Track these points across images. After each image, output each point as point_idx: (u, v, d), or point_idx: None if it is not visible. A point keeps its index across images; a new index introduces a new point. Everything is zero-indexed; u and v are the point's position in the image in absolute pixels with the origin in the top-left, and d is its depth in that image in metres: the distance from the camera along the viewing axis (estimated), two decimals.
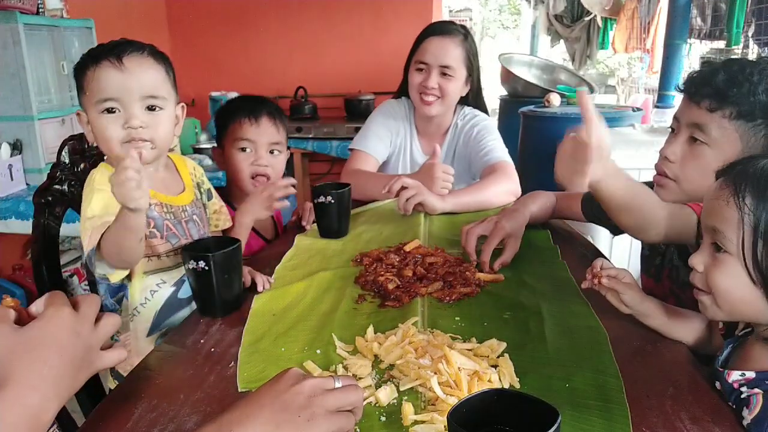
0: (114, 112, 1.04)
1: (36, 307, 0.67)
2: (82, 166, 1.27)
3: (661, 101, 3.60)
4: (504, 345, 0.89)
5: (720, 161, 1.01)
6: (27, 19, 2.40)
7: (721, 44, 3.84)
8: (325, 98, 4.00)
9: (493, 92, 5.02)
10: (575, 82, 4.44)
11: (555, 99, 3.49)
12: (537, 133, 3.38)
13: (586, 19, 5.82)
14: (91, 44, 2.73)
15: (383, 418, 0.74)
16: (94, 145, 1.16)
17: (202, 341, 0.95)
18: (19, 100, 2.42)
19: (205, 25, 4.05)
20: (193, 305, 1.09)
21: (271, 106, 1.54)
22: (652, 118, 3.44)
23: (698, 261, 0.82)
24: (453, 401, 0.71)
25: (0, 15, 2.34)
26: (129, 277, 1.11)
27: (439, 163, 1.66)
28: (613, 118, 3.22)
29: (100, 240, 0.98)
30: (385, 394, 0.77)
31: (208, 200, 1.29)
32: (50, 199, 1.23)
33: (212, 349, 0.93)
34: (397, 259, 1.25)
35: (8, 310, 0.64)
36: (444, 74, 1.77)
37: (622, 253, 2.43)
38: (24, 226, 2.36)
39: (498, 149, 1.78)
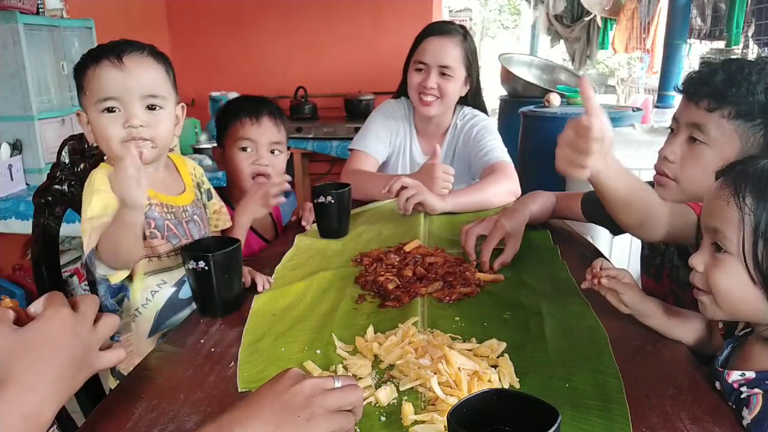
0: (114, 111, 1.04)
1: (35, 307, 0.67)
2: (82, 166, 1.27)
3: (661, 101, 3.61)
4: (504, 345, 0.89)
5: (719, 161, 1.01)
6: (27, 19, 2.40)
7: (721, 44, 3.84)
8: (325, 98, 4.00)
9: (493, 92, 5.02)
10: (575, 82, 4.44)
11: (555, 99, 3.49)
12: (537, 133, 3.39)
13: (586, 19, 5.82)
14: (91, 44, 2.73)
15: (383, 418, 0.74)
16: (94, 145, 1.17)
17: (202, 341, 0.95)
18: (19, 100, 2.42)
19: (205, 25, 4.05)
20: (193, 306, 1.09)
21: (272, 106, 1.55)
22: (652, 118, 3.44)
23: (698, 261, 0.82)
24: (453, 401, 0.71)
25: (0, 15, 2.34)
26: (130, 278, 1.11)
27: (439, 163, 1.66)
28: (613, 118, 3.22)
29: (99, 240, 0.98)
30: (385, 394, 0.77)
31: (208, 200, 1.29)
32: (50, 199, 1.23)
33: (212, 349, 0.93)
34: (397, 259, 1.25)
35: (7, 311, 0.64)
36: (443, 74, 1.77)
37: (622, 253, 2.43)
38: (24, 226, 2.36)
39: (498, 149, 1.78)
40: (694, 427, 0.71)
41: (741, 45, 3.36)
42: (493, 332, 0.94)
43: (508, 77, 4.38)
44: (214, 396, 0.80)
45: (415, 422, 0.72)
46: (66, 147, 1.25)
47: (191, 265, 0.99)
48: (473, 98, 1.90)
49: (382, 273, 1.18)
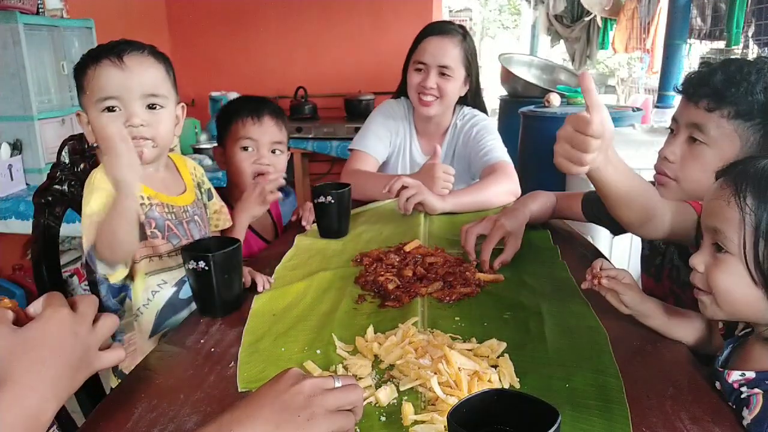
0: (114, 110, 1.04)
1: (34, 308, 0.67)
2: (82, 166, 1.27)
3: (661, 101, 3.61)
4: (504, 345, 0.89)
5: (719, 161, 1.01)
6: (27, 19, 2.40)
7: (721, 44, 3.84)
8: (325, 98, 4.00)
9: (493, 92, 5.02)
10: (575, 82, 4.44)
11: (555, 99, 3.49)
12: (537, 133, 3.38)
13: (586, 19, 5.81)
14: (91, 44, 2.73)
15: (383, 418, 0.74)
16: (94, 145, 1.16)
17: (202, 341, 0.95)
18: (19, 100, 2.42)
19: (205, 25, 4.05)
20: (194, 306, 1.09)
21: (273, 106, 1.55)
22: (652, 118, 3.44)
23: (699, 261, 0.82)
24: (453, 401, 0.71)
25: (0, 15, 2.34)
26: (131, 277, 1.11)
27: (439, 163, 1.66)
28: (613, 118, 3.18)
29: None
30: (385, 394, 0.77)
31: (209, 200, 1.29)
32: (50, 199, 1.23)
33: (212, 349, 0.93)
34: (397, 259, 1.25)
35: (6, 311, 0.64)
36: (442, 74, 1.77)
37: (622, 253, 2.43)
38: (24, 226, 2.36)
39: (497, 149, 1.78)
40: (694, 427, 0.71)
41: (741, 45, 3.36)
42: (493, 332, 0.94)
43: (508, 77, 4.38)
44: (214, 396, 0.80)
45: (415, 422, 0.72)
46: (66, 147, 1.25)
47: (191, 265, 0.99)
48: (473, 98, 1.91)
49: (382, 273, 1.18)
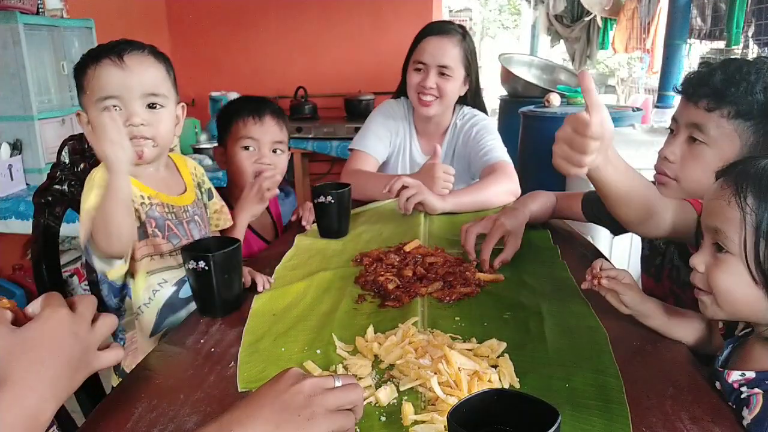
0: (115, 110, 1.04)
1: (32, 308, 0.67)
2: (82, 166, 1.27)
3: (661, 101, 3.61)
4: (504, 345, 0.89)
5: (719, 160, 1.01)
6: (27, 19, 2.40)
7: (721, 44, 3.84)
8: (325, 98, 4.00)
9: (493, 92, 5.03)
10: (575, 82, 4.44)
11: (555, 99, 3.49)
12: (537, 133, 3.38)
13: (586, 19, 5.81)
14: (91, 44, 2.73)
15: (383, 418, 0.74)
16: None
17: (202, 341, 0.95)
18: (19, 100, 2.42)
19: (205, 25, 4.05)
20: (193, 305, 1.09)
21: (274, 106, 1.56)
22: (652, 118, 3.44)
23: (699, 261, 0.82)
24: (453, 401, 0.71)
25: (0, 15, 2.34)
26: (132, 275, 1.11)
27: (439, 163, 1.66)
28: (613, 118, 3.18)
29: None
30: (385, 394, 0.77)
31: (209, 200, 1.29)
32: (50, 199, 1.23)
33: (212, 349, 0.93)
34: (397, 259, 1.25)
35: (5, 311, 0.64)
36: (442, 74, 1.77)
37: (622, 254, 2.43)
38: (24, 226, 2.36)
39: (497, 149, 1.78)
40: (694, 427, 0.71)
41: (741, 45, 3.36)
42: (493, 332, 0.94)
43: (508, 77, 4.38)
44: (214, 396, 0.80)
45: (415, 422, 0.72)
46: (66, 147, 1.25)
47: (191, 265, 0.99)
48: (473, 98, 1.91)
49: (382, 273, 1.18)
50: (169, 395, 0.80)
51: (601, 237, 2.19)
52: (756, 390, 0.74)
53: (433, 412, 0.73)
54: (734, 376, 0.77)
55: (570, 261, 1.26)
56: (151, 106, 1.08)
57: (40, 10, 2.59)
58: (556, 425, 0.53)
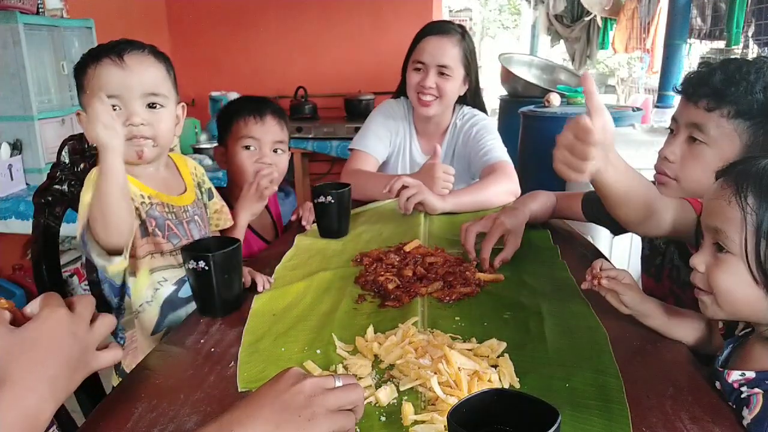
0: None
1: (31, 308, 0.67)
2: (82, 166, 1.27)
3: (661, 101, 3.61)
4: (504, 345, 0.89)
5: (719, 160, 1.01)
6: (27, 19, 2.40)
7: (721, 44, 3.84)
8: (325, 98, 4.00)
9: (493, 92, 5.02)
10: (575, 82, 4.44)
11: (555, 99, 3.49)
12: (537, 133, 3.38)
13: (586, 19, 5.81)
14: (91, 44, 2.73)
15: (383, 418, 0.74)
16: (94, 144, 1.16)
17: (202, 341, 0.95)
18: (19, 100, 2.42)
19: (205, 25, 4.05)
20: (193, 305, 1.09)
21: (275, 106, 1.56)
22: (652, 118, 3.44)
23: (700, 261, 0.82)
24: (453, 401, 0.71)
25: (0, 15, 2.34)
26: (134, 273, 1.10)
27: (439, 163, 1.66)
28: (614, 118, 3.19)
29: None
30: (385, 394, 0.77)
31: (209, 200, 1.29)
32: (50, 199, 1.23)
33: (212, 349, 0.93)
34: (397, 259, 1.25)
35: (3, 311, 0.64)
36: (441, 74, 1.77)
37: (622, 253, 2.43)
38: (24, 226, 2.36)
39: (497, 149, 1.78)
40: (694, 427, 0.71)
41: (741, 45, 3.36)
42: (493, 332, 0.94)
43: (508, 77, 4.38)
44: (214, 396, 0.80)
45: (415, 422, 0.72)
46: (66, 147, 1.25)
47: (191, 265, 0.99)
48: (472, 98, 1.91)
49: (382, 273, 1.18)
50: (169, 395, 0.80)
51: (601, 237, 2.19)
52: (756, 390, 0.74)
53: (433, 412, 0.73)
54: (734, 376, 0.77)
55: (570, 261, 1.26)
56: (151, 105, 1.08)
57: (40, 10, 2.59)
58: (556, 425, 0.53)
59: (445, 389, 0.77)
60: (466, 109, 1.90)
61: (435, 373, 0.78)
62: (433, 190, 1.59)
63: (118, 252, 1.02)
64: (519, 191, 1.71)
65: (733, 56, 3.03)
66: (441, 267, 1.20)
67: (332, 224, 1.44)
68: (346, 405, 0.63)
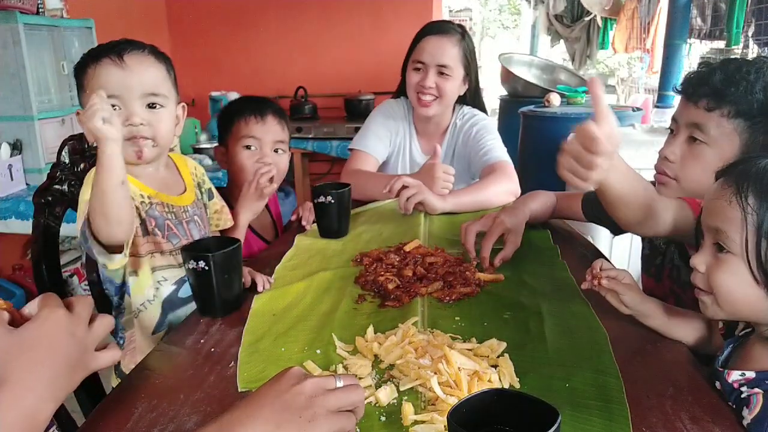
0: (114, 109, 1.04)
1: (29, 309, 0.67)
2: (82, 166, 1.27)
3: (661, 101, 3.61)
4: (504, 345, 0.89)
5: (719, 160, 1.01)
6: (27, 19, 2.40)
7: (721, 44, 3.84)
8: (325, 98, 4.00)
9: (493, 92, 5.02)
10: (575, 82, 4.44)
11: (555, 99, 3.48)
12: (537, 133, 3.38)
13: (586, 19, 5.82)
14: (91, 44, 2.73)
15: (383, 418, 0.74)
16: (94, 144, 1.16)
17: (202, 341, 0.95)
18: (19, 100, 2.42)
19: (205, 25, 4.06)
20: (193, 305, 1.09)
21: (276, 106, 1.57)
22: (652, 118, 3.44)
23: (700, 261, 0.81)
24: (453, 401, 0.71)
25: (0, 15, 2.34)
26: (135, 272, 1.10)
27: (439, 163, 1.66)
28: None
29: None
30: (385, 394, 0.77)
31: (209, 200, 1.29)
32: (50, 199, 1.23)
33: (212, 349, 0.93)
34: (397, 259, 1.25)
35: (1, 312, 0.64)
36: (441, 73, 1.77)
37: (622, 253, 2.43)
38: (24, 226, 2.36)
39: (497, 149, 1.78)
40: (694, 427, 0.71)
41: (741, 45, 3.36)
42: (493, 332, 0.94)
43: (508, 77, 4.37)
44: (214, 396, 0.80)
45: (415, 422, 0.72)
46: (66, 147, 1.25)
47: (191, 265, 0.99)
48: (472, 97, 1.91)
49: (382, 273, 1.18)
50: (169, 395, 0.80)
51: (601, 237, 2.19)
52: (756, 390, 0.74)
53: (433, 412, 0.73)
54: (734, 376, 0.77)
55: (570, 261, 1.26)
56: (151, 106, 1.08)
57: (40, 10, 2.59)
58: (556, 425, 0.53)
59: (445, 389, 0.77)
60: (466, 109, 1.90)
61: (435, 373, 0.78)
62: (433, 190, 1.59)
63: (118, 249, 1.02)
64: (519, 191, 1.71)
65: (733, 56, 3.03)
66: (441, 267, 1.20)
67: (332, 224, 1.44)
68: (346, 406, 0.63)
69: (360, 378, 0.81)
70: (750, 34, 3.29)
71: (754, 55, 3.24)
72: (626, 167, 0.92)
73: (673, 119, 1.15)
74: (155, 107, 1.08)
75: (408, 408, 0.73)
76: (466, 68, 1.80)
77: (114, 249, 1.02)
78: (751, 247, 0.75)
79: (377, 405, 0.76)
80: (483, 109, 1.94)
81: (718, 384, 0.80)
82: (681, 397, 0.77)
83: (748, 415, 0.73)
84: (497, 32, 15.21)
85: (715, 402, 0.77)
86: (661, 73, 3.68)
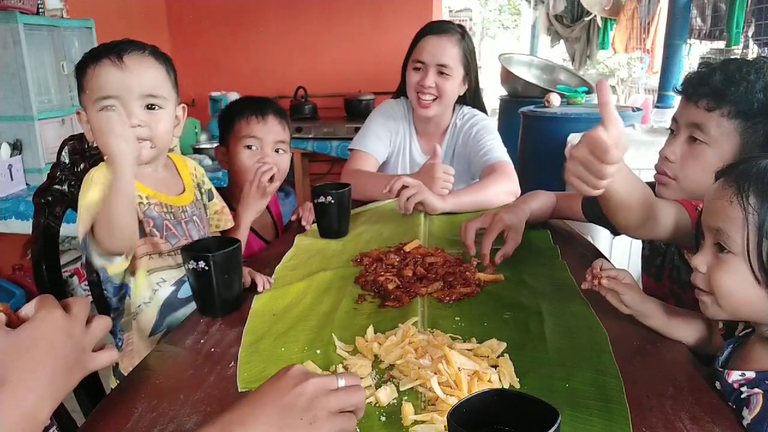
0: (113, 110, 1.04)
1: (26, 310, 0.67)
2: (82, 166, 1.27)
3: (661, 101, 3.61)
4: (504, 345, 0.89)
5: (720, 160, 1.01)
6: (27, 19, 2.41)
7: (721, 44, 3.84)
8: (325, 98, 4.00)
9: (493, 92, 5.03)
10: (575, 82, 4.44)
11: (555, 99, 3.49)
12: (537, 133, 3.39)
13: (586, 19, 5.82)
14: (91, 44, 2.73)
15: (383, 418, 0.74)
16: (94, 144, 1.16)
17: (202, 341, 0.95)
18: (19, 100, 2.43)
19: (205, 25, 4.06)
20: (192, 306, 1.09)
21: (277, 106, 1.57)
22: (652, 118, 3.44)
23: (701, 261, 0.81)
24: (453, 401, 0.71)
25: (0, 15, 2.34)
26: (132, 273, 1.10)
27: (439, 163, 1.66)
28: None
29: (94, 227, 0.98)
30: (385, 394, 0.77)
31: (209, 200, 1.29)
32: (50, 199, 1.23)
33: (212, 349, 0.93)
34: (397, 259, 1.25)
35: None
36: (441, 73, 1.77)
37: (622, 253, 2.44)
38: (24, 226, 2.36)
39: (497, 149, 1.78)
40: (694, 427, 0.71)
41: (741, 45, 3.36)
42: (493, 332, 0.94)
43: (508, 77, 4.37)
44: (214, 396, 0.80)
45: (415, 422, 0.72)
46: (66, 147, 1.25)
47: (191, 265, 0.99)
48: (472, 98, 1.91)
49: (382, 273, 1.18)
50: (169, 395, 0.80)
51: (601, 237, 2.20)
52: (756, 390, 0.74)
53: (433, 412, 0.73)
54: (734, 376, 0.77)
55: (570, 261, 1.26)
56: (150, 107, 1.07)
57: (40, 10, 2.59)
58: (556, 425, 0.53)
59: (445, 389, 0.76)
60: (466, 109, 1.90)
61: (435, 373, 0.78)
62: (433, 190, 1.59)
63: (120, 253, 1.03)
64: (519, 191, 1.71)
65: (733, 56, 3.03)
66: (441, 267, 1.20)
67: (332, 224, 1.44)
68: (348, 407, 0.62)
69: (360, 378, 0.81)
70: (750, 34, 3.29)
71: (754, 55, 3.24)
72: (628, 171, 0.91)
73: (674, 119, 1.15)
74: (154, 108, 1.08)
75: (408, 408, 0.73)
76: (466, 68, 1.81)
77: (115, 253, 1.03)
78: (752, 247, 0.75)
79: (377, 405, 0.76)
80: (483, 109, 1.94)
81: (718, 384, 0.80)
82: (681, 397, 0.77)
83: (748, 415, 0.73)
84: (497, 32, 15.21)
85: (715, 402, 0.77)
86: (661, 73, 3.69)
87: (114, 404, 0.79)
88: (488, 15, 15.25)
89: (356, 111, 3.80)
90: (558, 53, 7.51)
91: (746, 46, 3.39)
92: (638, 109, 3.54)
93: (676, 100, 1.18)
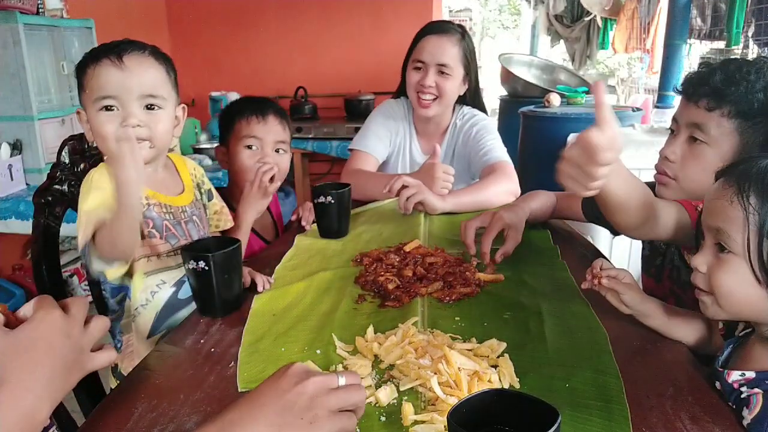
0: (112, 110, 1.04)
1: (24, 311, 0.67)
2: (82, 166, 1.27)
3: (661, 101, 3.60)
4: (504, 345, 0.89)
5: (720, 160, 1.01)
6: (27, 19, 2.41)
7: (721, 44, 3.84)
8: (325, 98, 4.00)
9: (493, 92, 5.03)
10: (575, 82, 4.44)
11: (555, 99, 3.48)
12: (537, 133, 3.38)
13: (586, 19, 5.82)
14: (91, 44, 2.73)
15: (383, 418, 0.74)
16: (94, 144, 1.16)
17: (202, 341, 0.95)
18: (19, 100, 2.43)
19: (205, 25, 4.06)
20: (193, 306, 1.09)
21: (277, 106, 1.57)
22: (652, 118, 3.44)
23: (701, 261, 0.81)
24: (453, 401, 0.71)
25: (0, 15, 2.34)
26: (130, 275, 1.10)
27: (439, 162, 1.67)
28: None
29: (95, 234, 0.98)
30: (385, 394, 0.77)
31: (209, 201, 1.29)
32: (50, 199, 1.23)
33: (212, 349, 0.93)
34: (397, 259, 1.25)
35: None
36: (441, 73, 1.77)
37: (622, 253, 2.43)
38: (24, 226, 2.36)
39: (497, 149, 1.78)
40: (694, 427, 0.71)
41: (741, 45, 3.36)
42: (493, 332, 0.94)
43: (508, 77, 4.37)
44: (214, 396, 0.80)
45: (415, 422, 0.72)
46: (66, 147, 1.25)
47: (191, 265, 0.99)
48: (472, 97, 1.91)
49: (382, 273, 1.18)
50: (169, 395, 0.80)
51: (601, 237, 2.19)
52: (756, 390, 0.74)
53: (433, 412, 0.73)
54: (734, 376, 0.77)
55: (570, 261, 1.26)
56: (150, 107, 1.07)
57: (40, 10, 2.59)
58: (556, 425, 0.53)
59: (445, 389, 0.76)
60: (466, 109, 1.90)
61: (435, 373, 0.78)
62: (432, 190, 1.59)
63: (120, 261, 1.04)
64: (519, 191, 1.71)
65: (733, 56, 3.03)
66: (441, 267, 1.20)
67: (332, 224, 1.44)
68: (348, 406, 0.62)
69: (360, 378, 0.81)
70: (750, 34, 3.29)
71: (754, 55, 3.24)
72: (626, 172, 0.91)
73: (674, 119, 1.16)
74: (153, 109, 1.08)
75: (408, 408, 0.73)
76: (466, 68, 1.81)
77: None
78: (752, 247, 0.75)
79: (377, 405, 0.76)
80: (483, 109, 1.94)
81: (718, 384, 0.80)
82: (681, 397, 0.77)
83: (748, 415, 0.73)
84: (497, 32, 15.21)
85: (715, 402, 0.77)
86: (661, 73, 3.68)
87: (114, 404, 0.79)
88: (488, 15, 15.25)
89: (356, 111, 3.80)
90: (558, 53, 7.51)
91: (746, 46, 3.39)
92: (638, 109, 3.54)
93: (676, 100, 1.18)
